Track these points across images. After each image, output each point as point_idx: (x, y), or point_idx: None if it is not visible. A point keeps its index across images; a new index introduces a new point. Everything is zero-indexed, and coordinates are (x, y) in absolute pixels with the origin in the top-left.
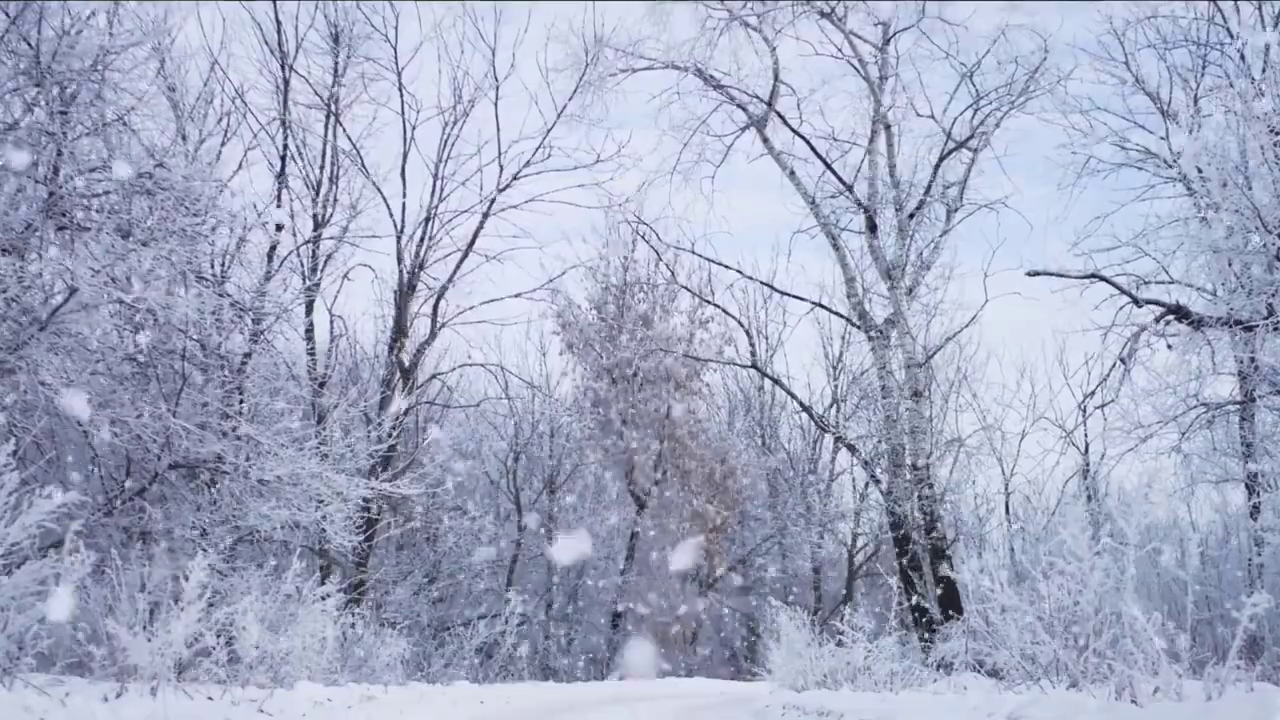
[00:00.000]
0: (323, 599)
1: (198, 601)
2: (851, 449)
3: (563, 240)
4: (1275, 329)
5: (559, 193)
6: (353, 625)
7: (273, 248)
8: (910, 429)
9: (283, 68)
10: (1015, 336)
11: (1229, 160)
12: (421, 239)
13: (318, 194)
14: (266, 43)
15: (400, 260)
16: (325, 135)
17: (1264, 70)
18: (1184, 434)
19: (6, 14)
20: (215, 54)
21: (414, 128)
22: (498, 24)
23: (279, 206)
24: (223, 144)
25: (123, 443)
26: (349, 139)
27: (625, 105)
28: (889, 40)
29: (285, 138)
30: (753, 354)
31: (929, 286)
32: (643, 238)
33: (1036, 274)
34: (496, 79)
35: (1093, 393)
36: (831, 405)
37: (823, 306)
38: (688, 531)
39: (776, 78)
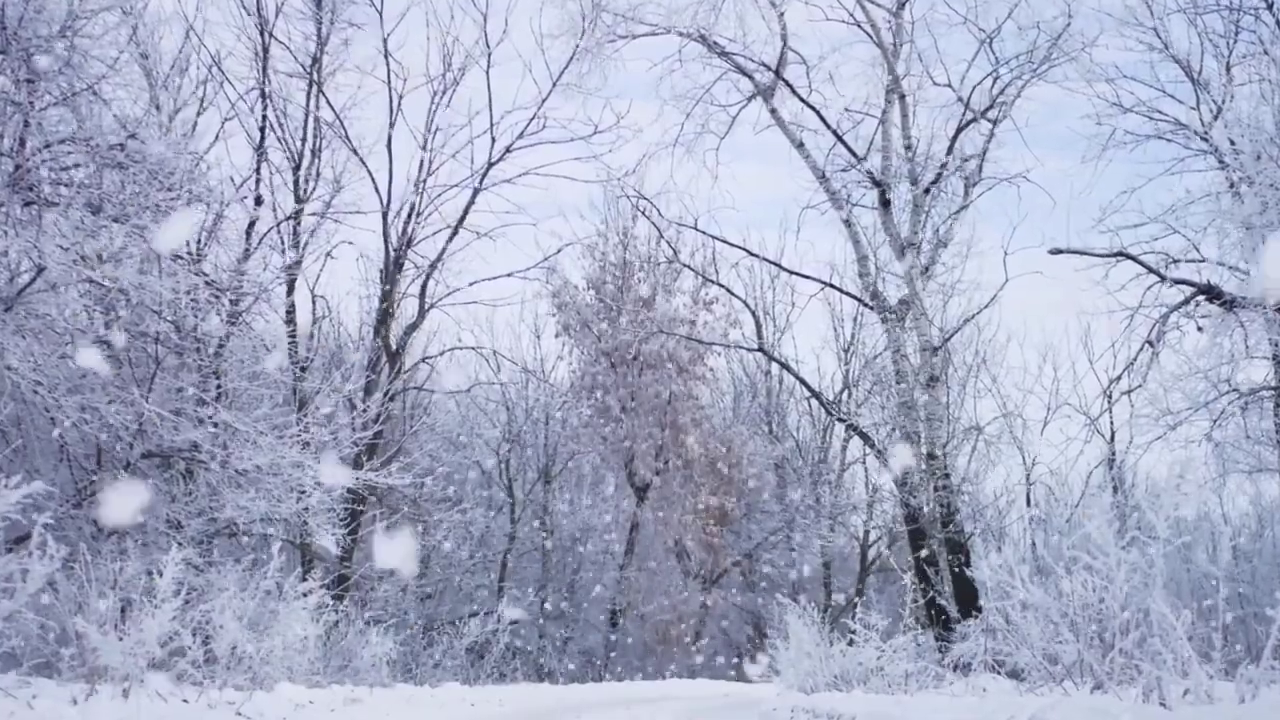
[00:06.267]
0: (304, 596)
1: (172, 599)
2: (864, 437)
3: (559, 216)
4: None
5: (554, 166)
6: (336, 623)
7: (251, 224)
8: (926, 416)
9: (262, 34)
10: (1037, 318)
11: (1263, 131)
12: (409, 215)
13: (299, 167)
14: (245, 7)
15: (386, 237)
16: (307, 105)
17: None
18: (1215, 421)
19: None
20: (190, 19)
21: (401, 97)
22: None
23: (258, 180)
24: (198, 114)
25: (93, 431)
26: (332, 109)
27: (624, 74)
28: (903, 5)
29: (265, 108)
30: (759, 336)
31: (945, 265)
32: (643, 214)
33: (1059, 252)
34: (488, 46)
35: (1119, 377)
36: (843, 391)
37: (833, 286)
38: (690, 524)
39: (784, 44)
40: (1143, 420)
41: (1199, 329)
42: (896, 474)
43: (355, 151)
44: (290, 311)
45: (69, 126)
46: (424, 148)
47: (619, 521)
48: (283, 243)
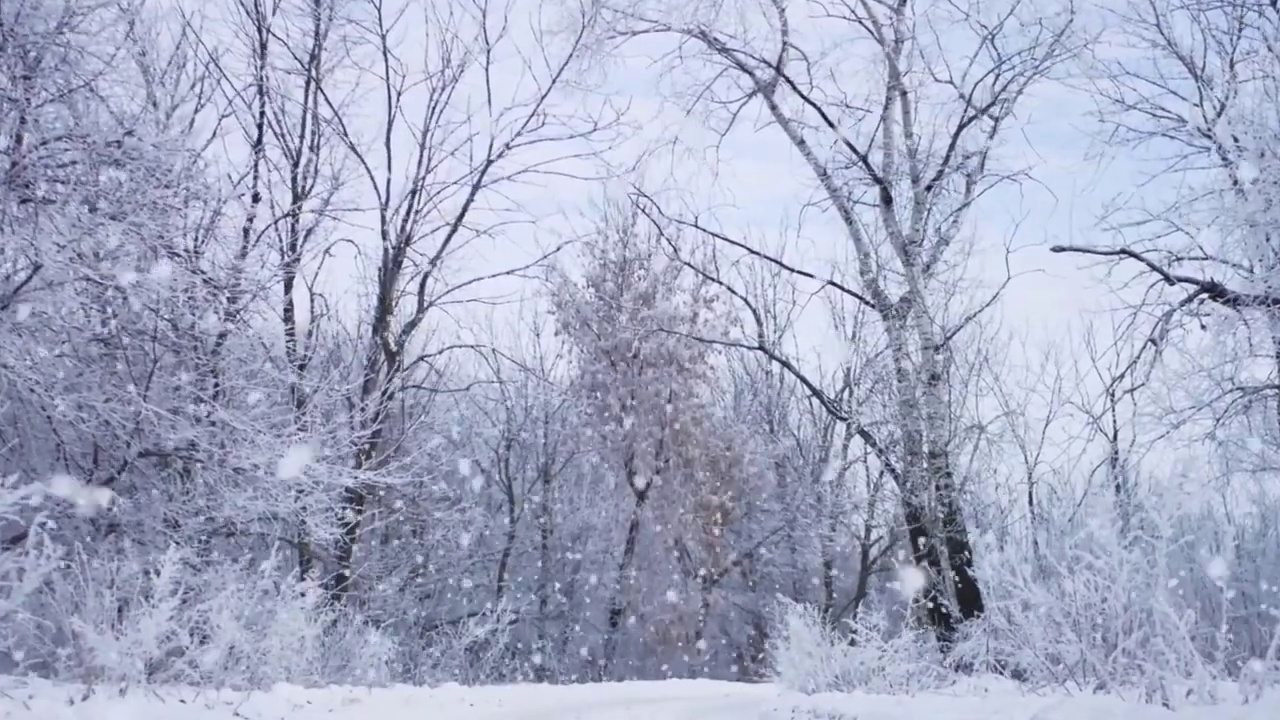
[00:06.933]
0: (302, 595)
1: (170, 598)
2: (865, 436)
3: (558, 214)
4: None
5: (554, 163)
6: (334, 623)
7: (249, 221)
8: (928, 414)
9: (260, 30)
10: (1039, 316)
11: (1267, 128)
12: (408, 212)
13: (297, 164)
14: (242, 4)
15: (385, 235)
16: (305, 102)
17: None
18: (1219, 420)
19: None
20: (187, 16)
21: (399, 94)
22: None
23: (256, 178)
24: (196, 111)
25: (90, 429)
26: (330, 106)
27: (624, 70)
28: (905, 1)
29: (263, 105)
30: (760, 335)
31: (947, 263)
32: (643, 211)
33: (1062, 250)
34: (487, 42)
35: (1122, 376)
36: (844, 389)
37: (834, 284)
38: (691, 523)
39: (785, 41)
40: (1146, 419)
41: (1202, 327)
42: (898, 473)
43: (354, 148)
44: (288, 309)
45: (65, 123)
46: (423, 145)
47: (619, 521)
48: (280, 240)
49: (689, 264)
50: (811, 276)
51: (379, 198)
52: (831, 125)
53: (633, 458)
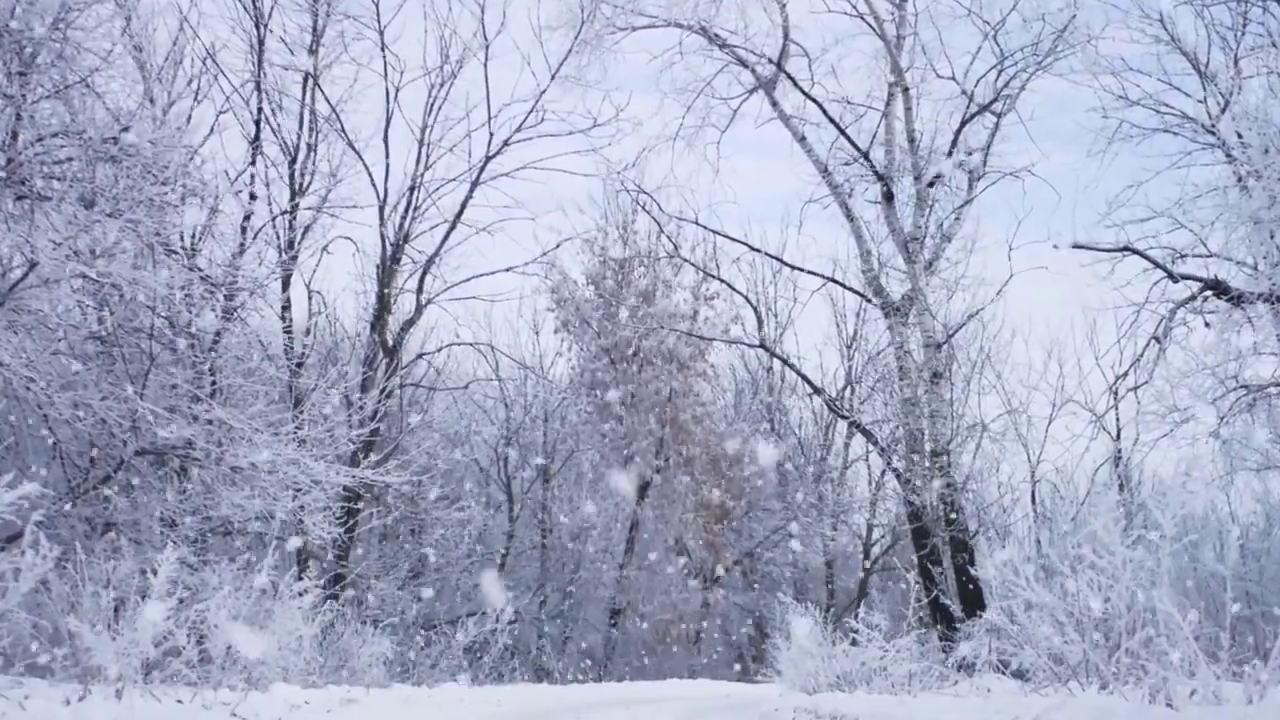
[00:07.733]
0: (300, 595)
1: (166, 598)
2: (867, 434)
3: (557, 211)
4: None
5: (553, 160)
6: (332, 623)
7: (247, 218)
8: (929, 413)
9: (257, 26)
10: (1042, 314)
11: (1271, 125)
12: (406, 209)
13: (295, 161)
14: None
15: (383, 232)
16: (303, 98)
17: None
18: (1223, 418)
19: None
20: (184, 12)
21: (398, 90)
22: None
23: (253, 175)
24: (193, 108)
25: (86, 427)
26: (328, 102)
27: (624, 66)
28: None
29: (260, 101)
30: (761, 332)
31: (950, 260)
32: (643, 208)
33: (1065, 247)
34: (486, 38)
35: (1125, 374)
36: (845, 388)
37: (836, 282)
38: (691, 522)
39: (786, 36)
40: (1149, 417)
41: (1206, 325)
42: (900, 471)
43: (352, 145)
44: (286, 307)
45: (62, 119)
46: (421, 141)
47: (619, 520)
48: (278, 237)
49: (689, 261)
50: (813, 274)
51: (377, 195)
52: (833, 122)
53: (632, 456)
